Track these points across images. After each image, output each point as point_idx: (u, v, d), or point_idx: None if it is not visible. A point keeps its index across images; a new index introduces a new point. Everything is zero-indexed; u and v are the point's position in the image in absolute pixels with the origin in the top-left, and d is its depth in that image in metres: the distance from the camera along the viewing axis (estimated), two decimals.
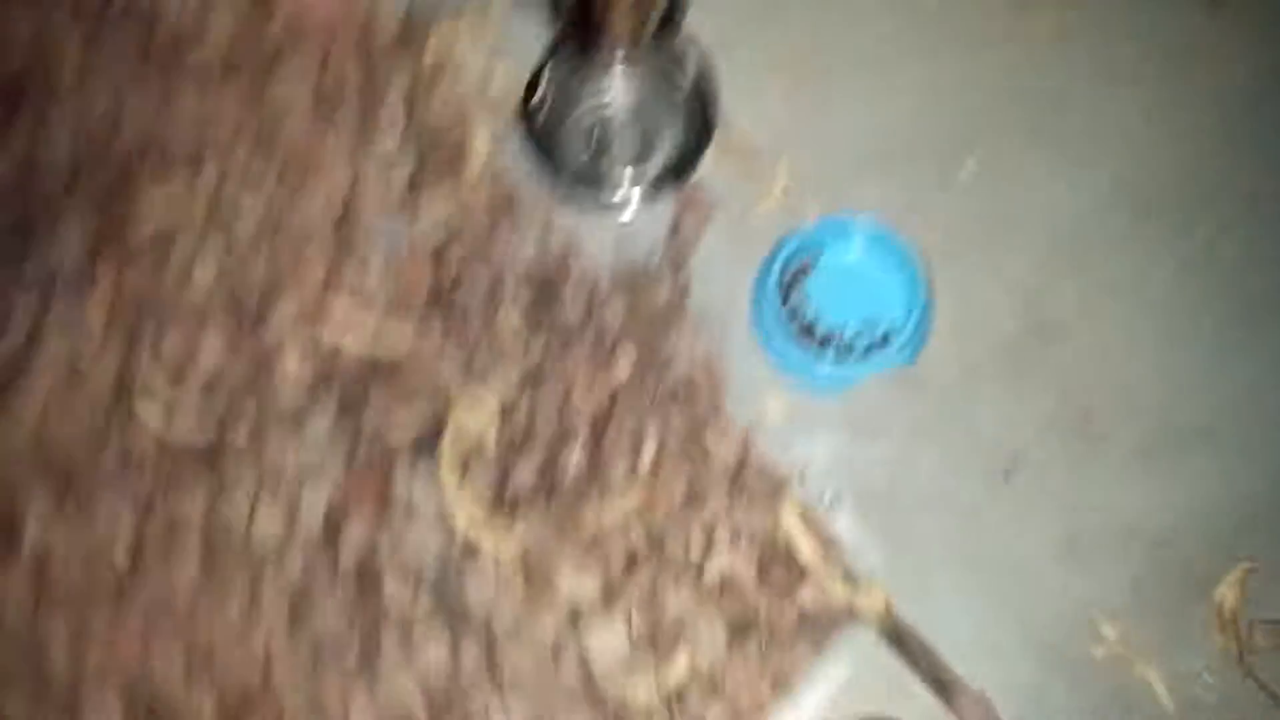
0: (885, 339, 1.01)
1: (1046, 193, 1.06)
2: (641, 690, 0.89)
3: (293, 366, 0.99)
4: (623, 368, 1.00)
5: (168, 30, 1.12)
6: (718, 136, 1.07)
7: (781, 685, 0.90)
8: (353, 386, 0.99)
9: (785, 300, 1.02)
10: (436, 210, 1.06)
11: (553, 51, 1.09)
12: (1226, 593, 0.94)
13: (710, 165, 1.07)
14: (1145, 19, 1.12)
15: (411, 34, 1.12)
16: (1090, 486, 0.97)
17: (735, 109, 1.08)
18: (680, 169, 1.07)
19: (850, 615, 0.92)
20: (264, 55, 1.10)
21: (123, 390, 0.98)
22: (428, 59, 1.11)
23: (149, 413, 0.97)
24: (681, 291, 1.04)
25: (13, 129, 1.08)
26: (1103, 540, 0.96)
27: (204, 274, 1.02)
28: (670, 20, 1.02)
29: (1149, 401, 1.00)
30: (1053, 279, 1.03)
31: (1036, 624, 0.93)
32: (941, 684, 0.91)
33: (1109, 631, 0.93)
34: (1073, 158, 1.07)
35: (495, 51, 1.12)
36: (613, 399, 0.99)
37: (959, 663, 0.92)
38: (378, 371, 0.99)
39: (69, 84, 1.10)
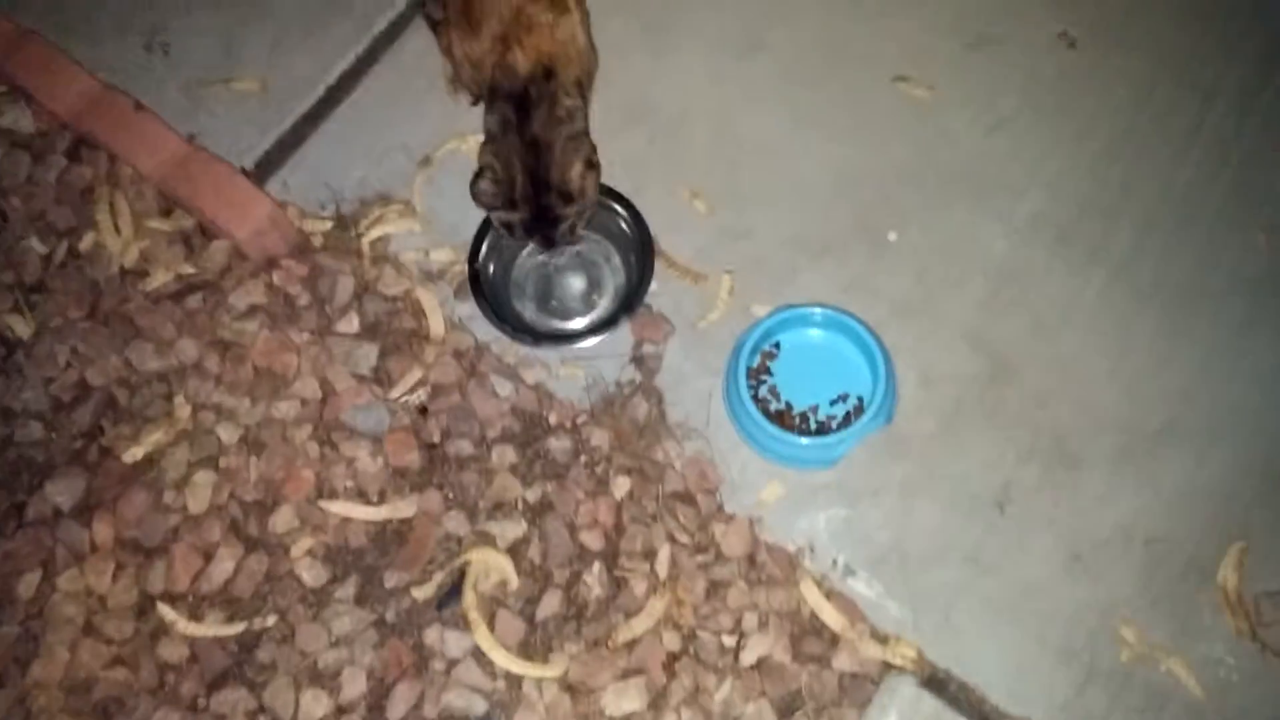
0: (860, 407, 1.17)
1: (969, 240, 1.27)
2: None
3: (305, 551, 1.11)
4: (620, 487, 1.15)
5: (110, 281, 1.28)
6: (657, 265, 1.26)
7: None
8: (368, 557, 1.12)
9: (756, 392, 1.18)
10: (408, 381, 1.22)
11: (488, 219, 1.27)
12: (1228, 575, 1.10)
13: (657, 290, 1.25)
14: (1018, 67, 1.35)
15: (344, 232, 1.31)
16: (1079, 503, 1.14)
17: (668, 238, 1.29)
18: (629, 301, 1.26)
19: (886, 670, 1.05)
20: (211, 288, 1.27)
21: (145, 604, 1.11)
22: (365, 250, 1.29)
23: (175, 616, 1.09)
24: (658, 407, 1.20)
25: None
26: (1103, 549, 1.12)
27: (197, 495, 1.16)
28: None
29: (1112, 411, 1.18)
30: (996, 317, 1.23)
31: (1061, 641, 1.07)
32: (986, 718, 1.03)
33: (1129, 634, 1.07)
34: (986, 204, 1.28)
35: (429, 229, 1.31)
36: (617, 518, 1.14)
37: (998, 693, 1.06)
38: (388, 539, 1.13)
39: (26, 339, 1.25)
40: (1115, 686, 1.06)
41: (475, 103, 1.29)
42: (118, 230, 1.31)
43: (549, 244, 1.22)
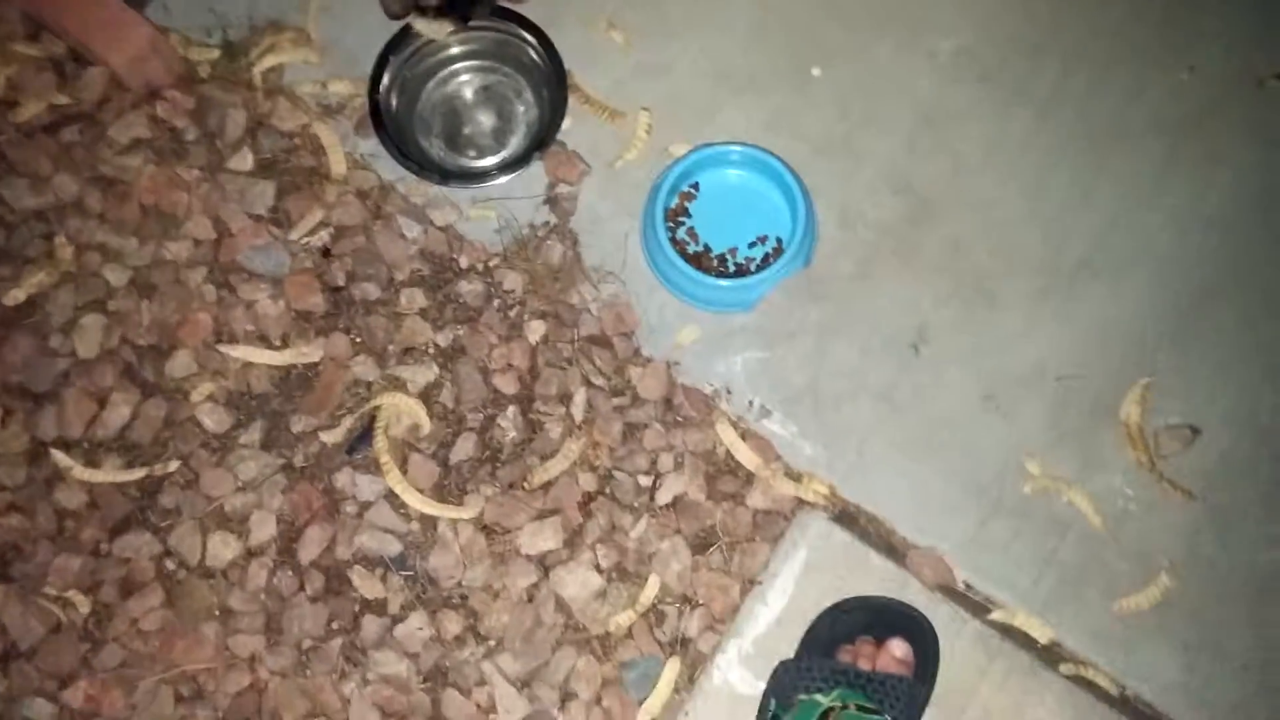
0: (779, 249, 1.24)
1: (893, 78, 1.33)
2: (621, 617, 1.10)
3: (206, 396, 1.16)
4: (534, 331, 1.21)
5: None
6: (571, 100, 1.29)
7: (749, 583, 1.12)
8: (273, 402, 1.17)
9: (674, 234, 1.24)
10: (308, 222, 1.25)
11: (389, 49, 1.29)
12: (1130, 409, 1.21)
13: (571, 127, 1.29)
14: None
15: (233, 62, 1.32)
16: (994, 341, 1.23)
17: (582, 72, 1.32)
18: (541, 138, 1.29)
19: (799, 507, 1.15)
20: (89, 120, 1.27)
21: (37, 451, 1.15)
22: (257, 82, 1.31)
23: (70, 463, 1.14)
24: (573, 249, 1.26)
25: None
26: (1015, 387, 1.22)
27: (86, 338, 1.19)
28: None
29: (1029, 250, 1.27)
30: (918, 157, 1.30)
31: (968, 476, 1.18)
32: (894, 549, 1.15)
33: (1034, 468, 1.18)
34: (913, 41, 1.34)
35: (326, 59, 1.33)
36: (532, 362, 1.20)
37: (906, 527, 1.16)
38: (293, 384, 1.18)
39: None
40: (1018, 518, 1.17)
41: None
42: None
43: (465, 20, 1.27)
